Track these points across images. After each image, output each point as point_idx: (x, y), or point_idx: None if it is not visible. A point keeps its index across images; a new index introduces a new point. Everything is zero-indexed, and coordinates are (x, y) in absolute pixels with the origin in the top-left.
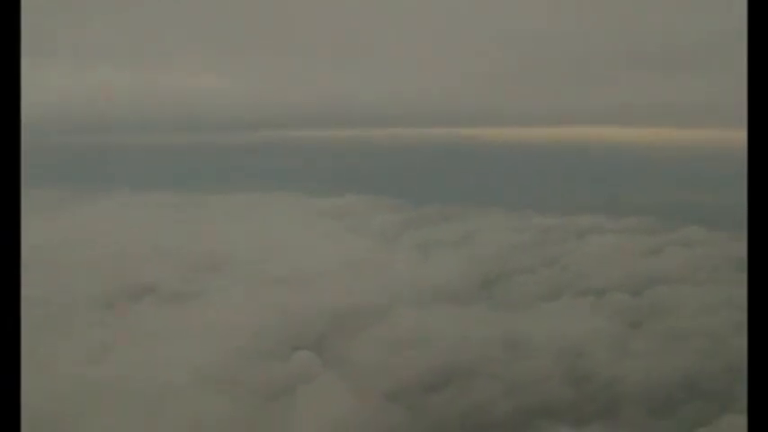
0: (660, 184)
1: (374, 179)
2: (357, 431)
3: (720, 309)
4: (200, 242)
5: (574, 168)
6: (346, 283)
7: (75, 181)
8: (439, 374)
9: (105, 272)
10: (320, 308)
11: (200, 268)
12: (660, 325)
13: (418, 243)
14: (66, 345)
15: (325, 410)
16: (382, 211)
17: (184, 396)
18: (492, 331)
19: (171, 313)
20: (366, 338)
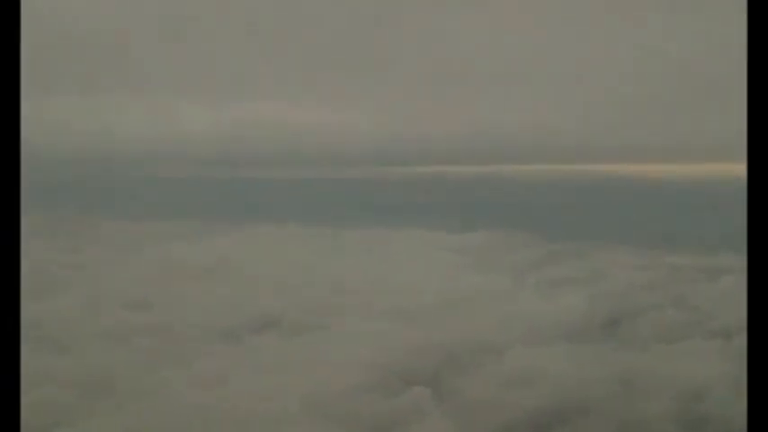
0: None
1: (509, 215)
2: None
3: None
4: (329, 275)
5: (710, 205)
6: (467, 319)
7: (211, 212)
8: (552, 413)
9: (231, 302)
10: (439, 343)
11: (325, 301)
12: None
13: (545, 280)
14: (183, 372)
15: None
16: (514, 248)
17: (292, 426)
18: (611, 371)
19: (290, 346)
20: (482, 375)
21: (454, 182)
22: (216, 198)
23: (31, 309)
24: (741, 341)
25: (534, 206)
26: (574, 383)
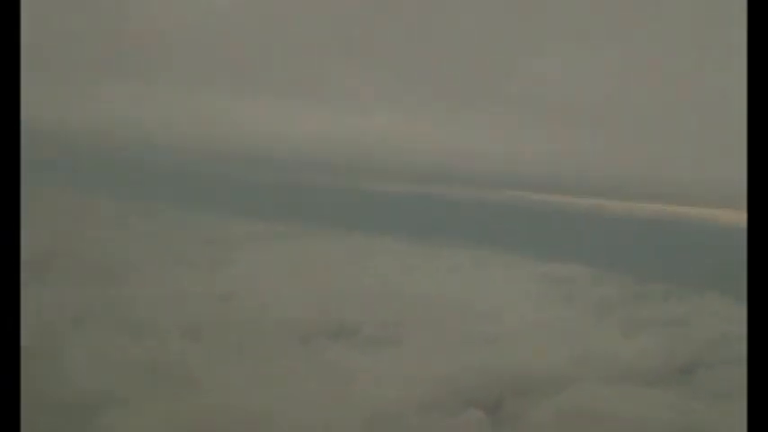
0: None
1: (605, 251)
2: None
3: None
4: (414, 292)
5: None
6: (540, 350)
7: (312, 219)
8: None
9: (312, 308)
10: (507, 370)
11: (404, 317)
12: None
13: (628, 319)
14: (249, 370)
15: None
16: (604, 284)
17: None
18: (678, 418)
19: (359, 357)
20: (543, 407)
21: (557, 212)
22: (321, 206)
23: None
24: None
25: (635, 244)
26: (634, 426)
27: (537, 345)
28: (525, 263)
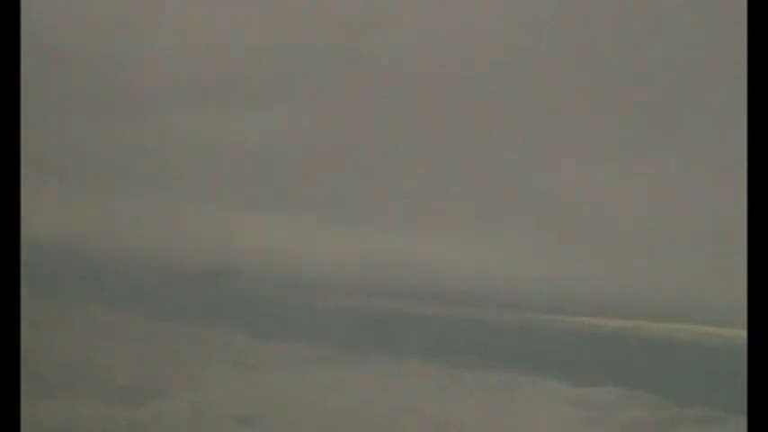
0: None
1: (641, 373)
2: None
3: None
4: (438, 417)
5: None
6: None
7: (329, 340)
8: None
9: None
10: None
11: None
12: None
13: None
14: None
15: None
16: (637, 407)
17: None
18: None
19: None
20: None
21: (591, 334)
22: (339, 326)
23: None
24: None
25: (676, 368)
26: None
27: None
28: (555, 387)
